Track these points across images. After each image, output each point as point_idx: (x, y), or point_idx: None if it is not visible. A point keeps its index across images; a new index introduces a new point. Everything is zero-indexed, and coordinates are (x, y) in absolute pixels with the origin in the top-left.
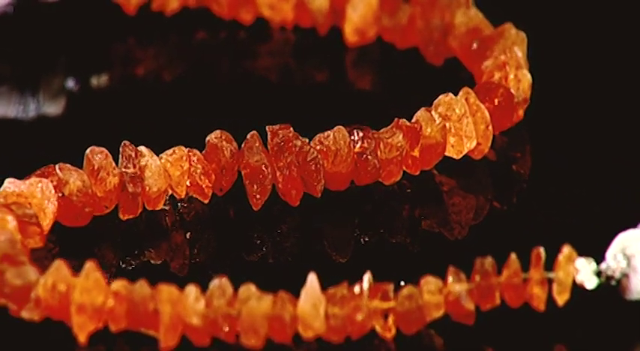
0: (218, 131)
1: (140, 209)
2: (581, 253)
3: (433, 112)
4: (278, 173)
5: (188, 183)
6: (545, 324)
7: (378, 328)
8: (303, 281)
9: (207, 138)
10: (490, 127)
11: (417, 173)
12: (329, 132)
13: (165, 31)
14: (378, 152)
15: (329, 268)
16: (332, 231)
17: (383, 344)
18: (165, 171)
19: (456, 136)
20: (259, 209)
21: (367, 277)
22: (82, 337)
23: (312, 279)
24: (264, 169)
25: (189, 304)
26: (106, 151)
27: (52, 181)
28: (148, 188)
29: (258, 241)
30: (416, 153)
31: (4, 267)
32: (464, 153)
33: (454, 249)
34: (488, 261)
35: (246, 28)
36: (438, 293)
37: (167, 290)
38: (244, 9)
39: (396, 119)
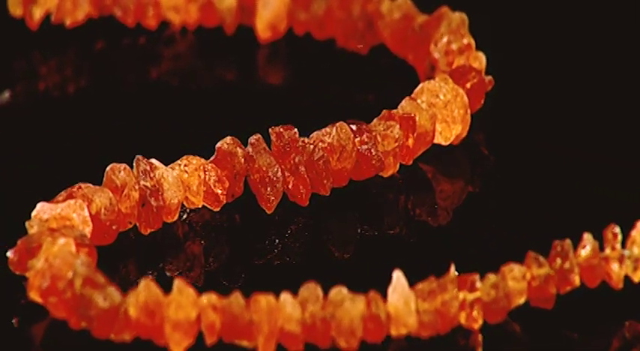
0: (228, 137)
1: (162, 222)
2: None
3: (419, 101)
4: (287, 174)
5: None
6: (618, 302)
7: (464, 320)
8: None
9: (218, 145)
10: (469, 111)
11: (410, 163)
12: (328, 129)
13: (67, 43)
14: (378, 145)
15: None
16: (346, 229)
17: (468, 335)
18: (182, 181)
19: (443, 123)
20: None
21: (453, 269)
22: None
23: (399, 276)
24: (276, 171)
25: (288, 311)
26: (127, 167)
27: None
28: (168, 200)
29: (280, 245)
30: (410, 143)
31: (89, 291)
32: (451, 139)
33: (453, 238)
34: (567, 243)
35: (151, 34)
36: (522, 280)
37: (264, 300)
38: (149, 14)
39: (384, 111)
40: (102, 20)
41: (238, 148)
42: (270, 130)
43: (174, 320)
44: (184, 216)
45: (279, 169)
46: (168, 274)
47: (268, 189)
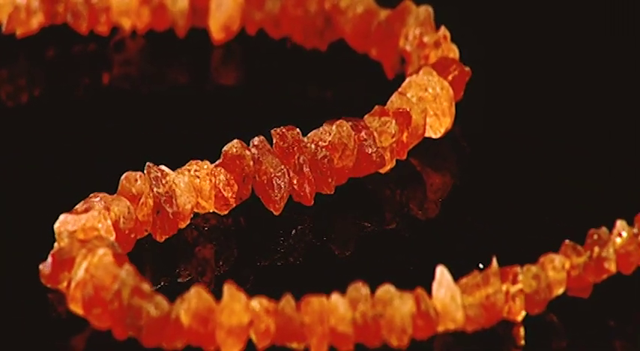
0: (235, 141)
1: (177, 228)
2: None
3: (409, 95)
4: (291, 175)
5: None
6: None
7: (506, 313)
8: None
9: (226, 148)
10: (453, 103)
11: (404, 158)
12: (327, 127)
13: (18, 52)
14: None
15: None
16: (353, 227)
17: (510, 328)
18: (194, 186)
19: (433, 116)
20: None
21: (494, 262)
22: None
23: (443, 271)
24: (282, 172)
25: (340, 312)
26: (143, 175)
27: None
28: (181, 206)
29: (293, 245)
30: (404, 138)
31: (137, 300)
32: (442, 132)
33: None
34: (603, 231)
35: (102, 39)
36: (562, 270)
37: (317, 301)
38: (102, 20)
39: (377, 107)
40: (52, 28)
41: (247, 151)
42: (272, 131)
43: (227, 326)
44: (204, 227)
45: (286, 170)
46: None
47: (276, 190)
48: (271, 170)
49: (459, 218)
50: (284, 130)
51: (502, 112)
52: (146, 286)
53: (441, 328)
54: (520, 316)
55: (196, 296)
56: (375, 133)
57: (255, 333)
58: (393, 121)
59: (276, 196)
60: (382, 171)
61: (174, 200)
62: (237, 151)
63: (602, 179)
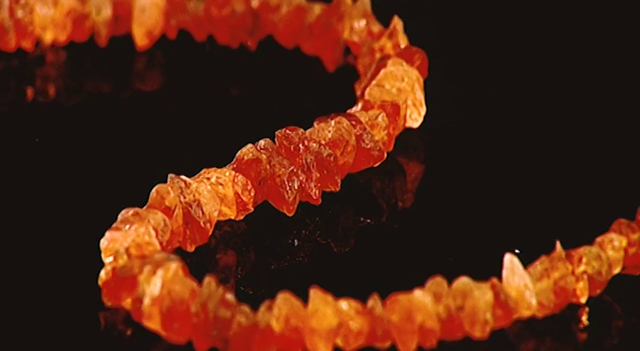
0: (249, 145)
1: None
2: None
3: (387, 86)
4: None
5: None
6: None
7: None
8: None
9: (241, 153)
10: (422, 92)
11: (391, 149)
12: (324, 125)
13: None
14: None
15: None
16: (360, 223)
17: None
18: (217, 194)
19: (412, 106)
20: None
21: (559, 246)
22: None
23: (511, 259)
24: (294, 173)
25: (428, 308)
26: (173, 186)
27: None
28: (208, 214)
29: (311, 245)
30: (391, 130)
31: (224, 312)
32: (419, 121)
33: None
34: None
35: (25, 54)
36: (620, 249)
37: (404, 299)
38: (26, 35)
39: (361, 99)
40: None
41: (263, 155)
42: (277, 133)
43: (319, 330)
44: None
45: (297, 171)
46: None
47: (289, 192)
48: (283, 172)
49: (453, 209)
50: (288, 131)
51: (450, 99)
52: (231, 297)
53: (519, 316)
54: (585, 298)
55: (286, 302)
56: (367, 127)
57: (346, 335)
58: (383, 114)
59: (289, 197)
60: (375, 165)
61: (201, 209)
62: (253, 155)
63: (567, 160)
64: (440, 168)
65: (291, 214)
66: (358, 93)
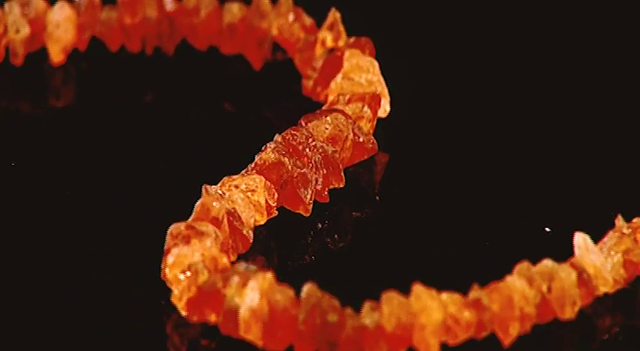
0: (269, 149)
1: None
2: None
3: (356, 78)
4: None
5: None
6: None
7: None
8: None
9: (262, 158)
10: None
11: None
12: (318, 122)
13: None
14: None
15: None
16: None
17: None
18: (251, 201)
19: (383, 97)
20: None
21: (621, 219)
22: None
23: (582, 236)
24: (308, 173)
25: (526, 294)
26: (219, 197)
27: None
28: (247, 222)
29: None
30: (374, 121)
31: (333, 316)
32: (387, 111)
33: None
34: None
35: None
36: None
37: (505, 287)
38: None
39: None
40: None
41: (285, 158)
42: (283, 133)
43: (428, 325)
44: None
45: (312, 170)
46: None
47: (305, 192)
48: (299, 173)
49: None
50: (294, 131)
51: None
52: (335, 302)
53: (600, 292)
54: None
55: (392, 301)
56: (357, 121)
57: (453, 329)
58: (366, 106)
59: (306, 197)
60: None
61: (240, 218)
62: (275, 158)
63: (525, 148)
64: (404, 156)
65: (307, 214)
66: (309, 88)
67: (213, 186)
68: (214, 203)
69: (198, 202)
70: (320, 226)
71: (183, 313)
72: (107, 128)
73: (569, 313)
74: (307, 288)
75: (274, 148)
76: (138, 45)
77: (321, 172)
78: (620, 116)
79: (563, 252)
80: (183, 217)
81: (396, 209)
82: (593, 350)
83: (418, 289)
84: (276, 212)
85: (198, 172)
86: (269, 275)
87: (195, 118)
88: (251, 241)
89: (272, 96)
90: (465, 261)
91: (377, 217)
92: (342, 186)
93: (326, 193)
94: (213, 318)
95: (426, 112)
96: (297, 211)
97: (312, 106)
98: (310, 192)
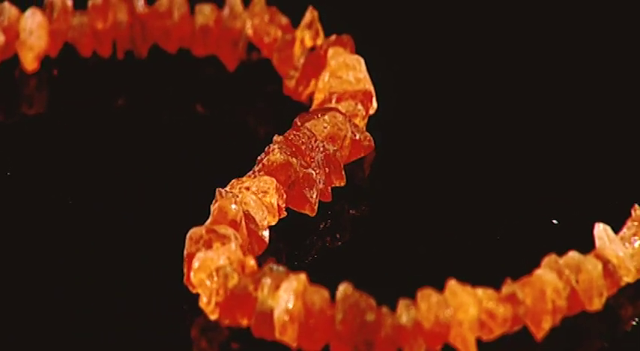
0: (277, 149)
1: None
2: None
3: (345, 76)
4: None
5: None
6: None
7: None
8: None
9: (270, 159)
10: None
11: None
12: (315, 121)
13: None
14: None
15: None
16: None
17: None
18: (263, 203)
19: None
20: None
21: (637, 207)
22: None
23: (603, 227)
24: (314, 173)
25: (558, 286)
26: (236, 199)
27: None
28: (261, 224)
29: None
30: (367, 119)
31: (371, 315)
32: (375, 108)
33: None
34: None
35: None
36: None
37: (537, 280)
38: None
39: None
40: None
41: (293, 158)
42: (286, 134)
43: (465, 321)
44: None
45: (322, 171)
46: None
47: (311, 192)
48: (305, 173)
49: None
50: (296, 132)
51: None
52: (372, 301)
53: (624, 282)
54: None
55: (427, 298)
56: (352, 119)
57: (489, 324)
58: (359, 103)
59: (312, 197)
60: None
61: (254, 220)
62: (284, 159)
63: (512, 144)
64: (393, 152)
65: (314, 214)
66: (291, 87)
67: (224, 189)
68: (232, 206)
69: (215, 206)
70: (324, 224)
71: (212, 317)
72: (81, 135)
73: (597, 305)
74: (343, 288)
75: (281, 148)
76: (109, 49)
77: (323, 171)
78: (627, 106)
79: (565, 244)
80: (172, 220)
81: (394, 206)
82: (621, 340)
83: (453, 284)
84: (286, 213)
85: (178, 176)
86: (302, 276)
87: (171, 122)
88: (267, 242)
89: (248, 97)
90: (473, 257)
91: (377, 215)
92: (343, 184)
93: (329, 192)
94: (244, 321)
95: (410, 108)
96: (303, 211)
97: (292, 106)
98: (315, 192)
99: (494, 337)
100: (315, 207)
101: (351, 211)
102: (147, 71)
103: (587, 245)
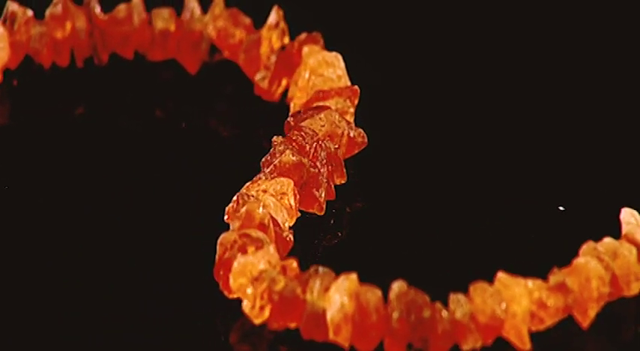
0: (288, 151)
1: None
2: None
3: (326, 73)
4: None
5: None
6: None
7: None
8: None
9: (282, 160)
10: None
11: None
12: (311, 120)
13: None
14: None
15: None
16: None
17: None
18: (282, 204)
19: None
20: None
21: None
22: (526, 344)
23: (630, 212)
24: (322, 172)
25: (601, 273)
26: (261, 203)
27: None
28: (283, 226)
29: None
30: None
31: (427, 312)
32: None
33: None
34: None
35: None
36: None
37: (582, 267)
38: None
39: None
40: None
41: (304, 158)
42: (290, 133)
43: (519, 313)
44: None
45: (325, 169)
46: None
47: (319, 190)
48: (313, 172)
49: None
50: (299, 131)
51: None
52: (426, 297)
53: None
54: None
55: (484, 292)
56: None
57: (541, 314)
58: (348, 100)
59: (320, 196)
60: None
61: (278, 222)
62: (297, 160)
63: (500, 137)
64: (379, 146)
65: (322, 213)
66: (264, 87)
67: (244, 192)
68: (260, 209)
69: (243, 209)
70: (333, 221)
71: (257, 321)
72: (43, 146)
73: (635, 289)
74: (397, 285)
75: (292, 149)
76: (67, 59)
77: (327, 169)
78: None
79: (564, 235)
80: (151, 230)
81: (393, 202)
82: None
83: (503, 277)
84: (299, 213)
85: (144, 182)
86: (353, 276)
87: (135, 128)
88: (292, 243)
89: (211, 99)
90: (484, 251)
91: (377, 211)
92: (344, 182)
93: (333, 190)
94: (293, 324)
95: (384, 103)
96: (312, 211)
97: (261, 107)
98: (323, 190)
99: (544, 328)
100: (324, 206)
101: (354, 206)
102: (107, 79)
103: (592, 234)
